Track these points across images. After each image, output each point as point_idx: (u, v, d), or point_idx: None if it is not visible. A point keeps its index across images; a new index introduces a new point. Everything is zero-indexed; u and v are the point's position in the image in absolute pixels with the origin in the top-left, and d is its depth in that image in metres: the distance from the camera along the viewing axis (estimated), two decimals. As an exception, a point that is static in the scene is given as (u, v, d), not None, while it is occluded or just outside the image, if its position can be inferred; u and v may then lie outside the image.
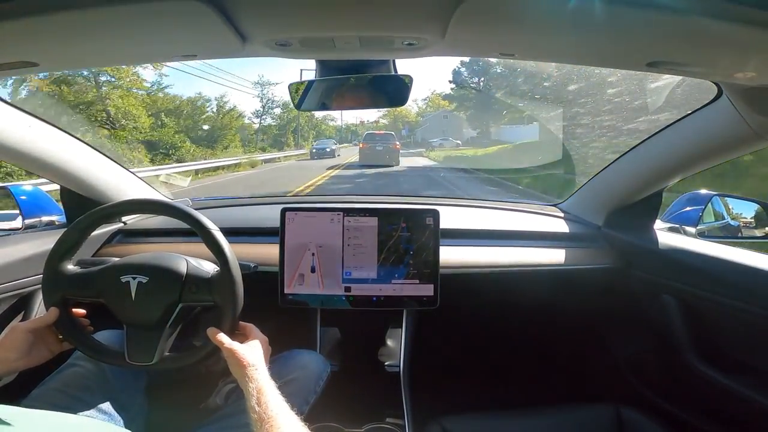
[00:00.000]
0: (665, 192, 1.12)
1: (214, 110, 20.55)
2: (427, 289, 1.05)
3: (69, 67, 0.70)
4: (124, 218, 1.26)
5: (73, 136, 1.05)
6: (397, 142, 16.26)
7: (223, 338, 0.71)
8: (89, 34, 0.55)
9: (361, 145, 16.09)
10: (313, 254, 1.05)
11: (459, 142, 28.82)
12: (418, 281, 1.05)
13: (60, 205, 1.23)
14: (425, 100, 44.10)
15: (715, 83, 0.77)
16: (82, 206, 1.06)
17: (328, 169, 13.12)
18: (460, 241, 1.20)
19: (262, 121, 29.53)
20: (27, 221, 1.16)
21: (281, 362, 0.89)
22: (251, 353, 0.69)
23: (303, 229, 1.05)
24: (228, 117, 20.75)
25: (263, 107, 30.36)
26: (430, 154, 21.83)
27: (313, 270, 1.05)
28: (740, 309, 0.86)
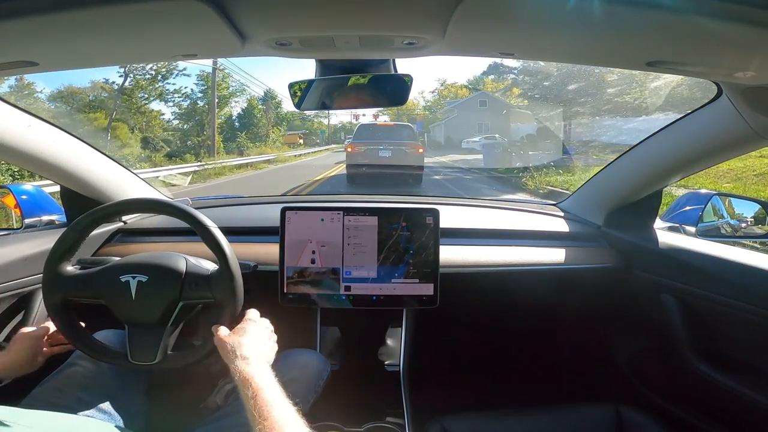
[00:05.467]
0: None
1: None
2: (427, 289, 1.05)
3: (69, 66, 0.70)
4: (124, 217, 1.27)
5: (73, 135, 1.05)
6: (418, 142, 9.06)
7: (219, 330, 0.70)
8: (89, 33, 0.55)
9: (348, 149, 8.96)
10: (313, 253, 1.05)
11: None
12: (418, 280, 1.05)
13: (60, 204, 1.23)
14: (434, 92, 34.54)
15: (715, 83, 0.77)
16: (82, 206, 1.06)
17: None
18: (459, 240, 1.20)
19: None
20: (27, 221, 1.16)
21: (281, 362, 0.89)
22: (244, 344, 0.67)
23: (303, 229, 1.05)
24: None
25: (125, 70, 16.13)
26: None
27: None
28: (740, 308, 0.86)
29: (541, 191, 7.78)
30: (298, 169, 13.18)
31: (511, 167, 11.35)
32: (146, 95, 18.05)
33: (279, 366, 0.86)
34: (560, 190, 7.39)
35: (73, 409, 0.72)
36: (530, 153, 12.87)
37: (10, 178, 7.20)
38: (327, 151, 25.64)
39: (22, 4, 0.46)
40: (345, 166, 9.18)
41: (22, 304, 1.00)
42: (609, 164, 1.22)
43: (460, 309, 1.33)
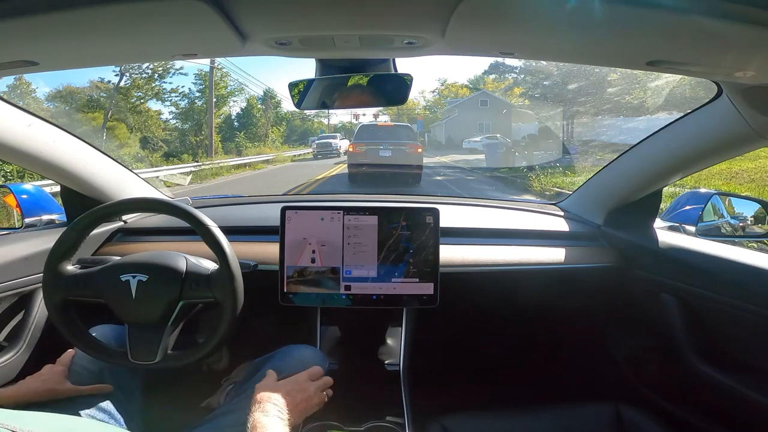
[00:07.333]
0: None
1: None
2: (427, 288, 1.05)
3: (69, 66, 0.70)
4: (124, 217, 1.27)
5: (73, 134, 1.05)
6: (417, 142, 9.52)
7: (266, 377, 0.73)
8: (89, 33, 0.55)
9: (350, 148, 9.39)
10: (313, 252, 1.05)
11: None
12: (417, 280, 1.05)
13: (60, 204, 1.23)
14: (435, 92, 34.36)
15: (715, 82, 0.77)
16: (83, 205, 1.06)
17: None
18: (459, 239, 1.20)
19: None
20: (27, 220, 1.16)
21: (279, 357, 0.89)
22: (272, 396, 0.68)
23: (303, 228, 1.05)
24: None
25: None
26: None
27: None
28: (740, 308, 0.86)
29: (548, 193, 7.62)
30: (297, 169, 13.04)
31: (514, 167, 11.27)
32: (142, 94, 17.73)
33: (277, 362, 0.87)
34: (569, 192, 6.40)
35: (72, 409, 0.72)
36: (534, 153, 12.67)
37: (2, 179, 7.16)
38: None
39: (22, 4, 0.46)
40: (346, 165, 9.59)
41: (22, 303, 1.00)
42: (609, 164, 1.22)
43: (460, 308, 1.33)
